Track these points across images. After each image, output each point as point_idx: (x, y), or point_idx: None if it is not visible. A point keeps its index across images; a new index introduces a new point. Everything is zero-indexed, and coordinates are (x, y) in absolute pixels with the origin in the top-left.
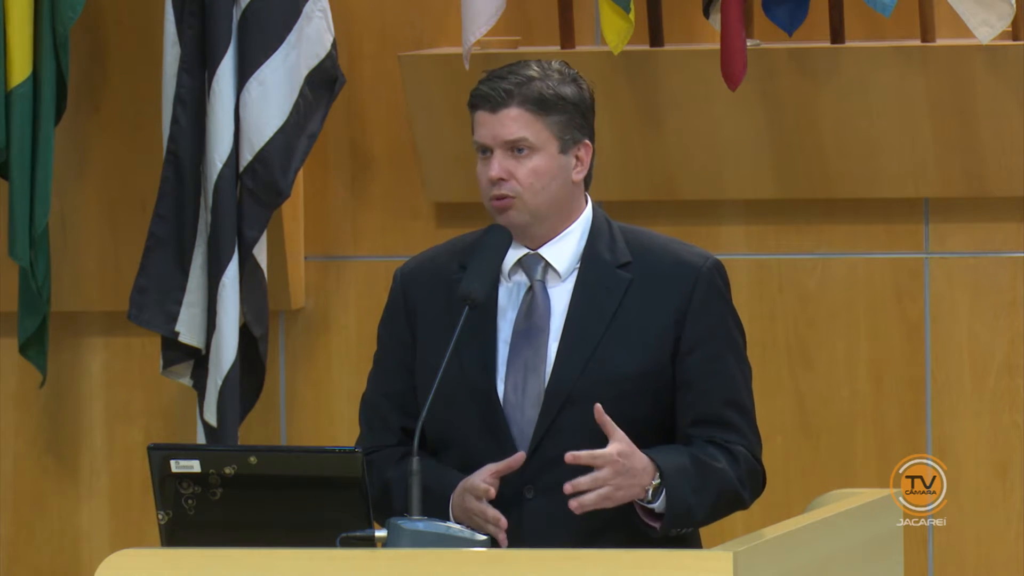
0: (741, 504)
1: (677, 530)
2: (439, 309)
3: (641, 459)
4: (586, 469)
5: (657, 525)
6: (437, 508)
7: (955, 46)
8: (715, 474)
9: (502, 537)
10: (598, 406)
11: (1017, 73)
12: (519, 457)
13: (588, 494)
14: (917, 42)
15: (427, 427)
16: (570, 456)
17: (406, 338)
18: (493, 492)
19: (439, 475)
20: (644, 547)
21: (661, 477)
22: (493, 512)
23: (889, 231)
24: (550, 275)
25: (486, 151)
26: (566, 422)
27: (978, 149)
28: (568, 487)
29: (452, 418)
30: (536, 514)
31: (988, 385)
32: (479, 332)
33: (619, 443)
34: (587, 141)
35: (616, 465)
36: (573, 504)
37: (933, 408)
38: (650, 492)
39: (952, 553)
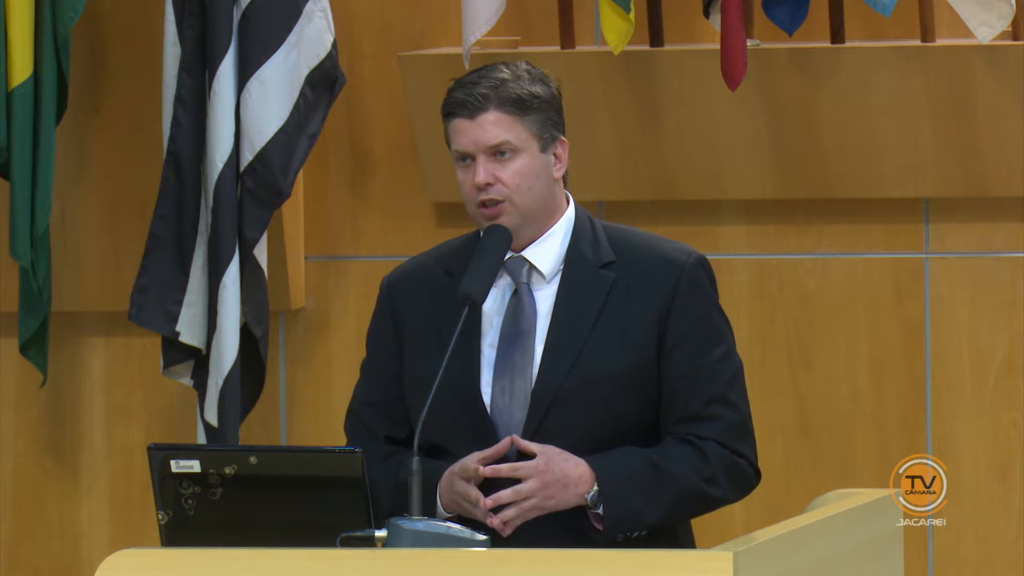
0: (714, 502)
1: (625, 534)
2: (426, 316)
3: (577, 467)
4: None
5: (601, 528)
6: (425, 494)
7: (955, 46)
8: (671, 476)
9: (490, 520)
10: (514, 436)
11: (1017, 73)
12: (506, 443)
13: (509, 508)
14: (917, 42)
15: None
16: (488, 470)
17: (392, 348)
18: (484, 472)
19: (426, 464)
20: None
21: (599, 484)
22: (475, 492)
23: (889, 231)
24: (535, 277)
25: (467, 158)
26: (553, 424)
27: (978, 149)
28: (489, 501)
29: (440, 422)
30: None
31: (988, 385)
32: (465, 336)
33: (545, 455)
34: (563, 137)
35: (543, 475)
36: (495, 522)
37: (933, 408)
38: (589, 499)
39: (952, 553)
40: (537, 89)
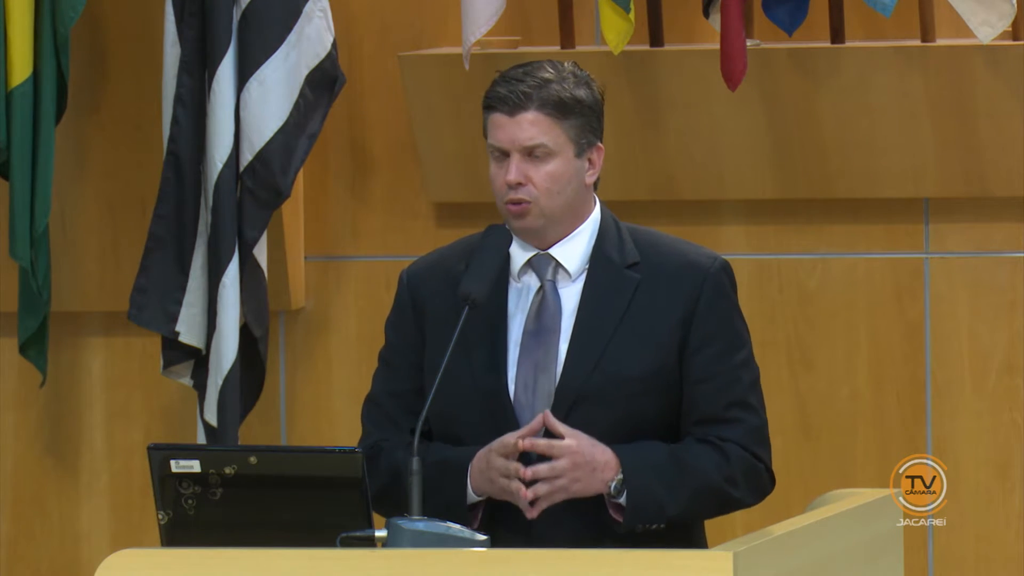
0: (732, 503)
1: (645, 525)
2: (447, 309)
3: (604, 454)
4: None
5: (621, 518)
6: (455, 477)
7: (955, 46)
8: (694, 471)
9: (523, 492)
10: (547, 412)
11: (1017, 73)
12: (539, 420)
13: (542, 484)
14: (917, 42)
15: (436, 426)
16: (527, 443)
17: (415, 338)
18: (523, 444)
19: (455, 449)
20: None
21: (623, 472)
22: (515, 464)
23: (889, 231)
24: (560, 275)
25: (501, 154)
26: (575, 422)
27: (978, 149)
28: (528, 472)
29: (462, 418)
30: (544, 513)
31: (988, 385)
32: (489, 332)
33: (576, 438)
34: (599, 144)
35: (575, 456)
36: (528, 494)
37: (933, 408)
38: (612, 487)
39: (952, 553)
40: (581, 93)
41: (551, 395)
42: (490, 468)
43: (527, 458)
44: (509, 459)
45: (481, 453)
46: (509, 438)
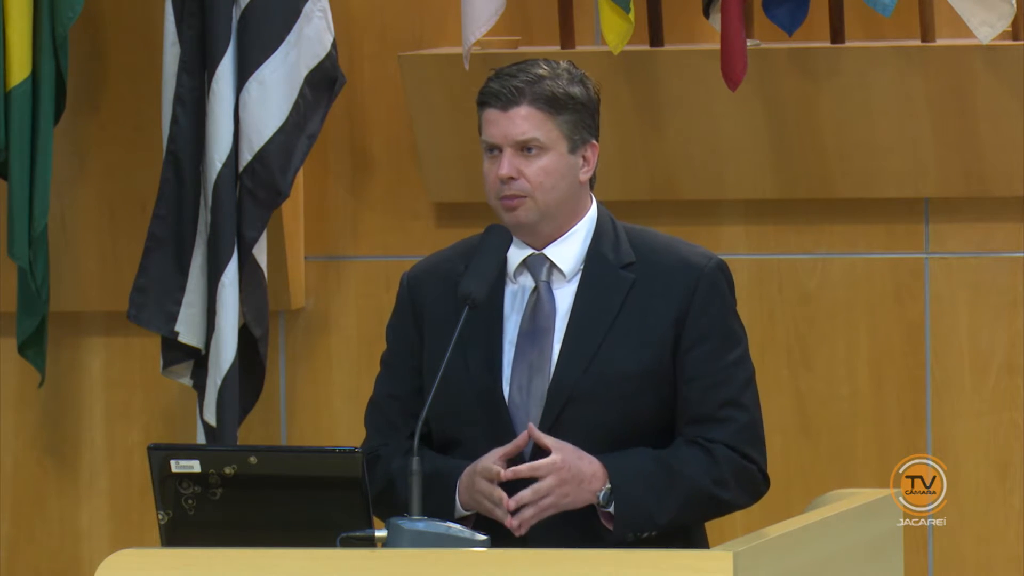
0: (724, 506)
1: (636, 533)
2: (446, 311)
3: (590, 465)
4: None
5: (612, 527)
6: (443, 491)
7: (955, 46)
8: (682, 477)
9: (509, 521)
10: (531, 425)
11: (1017, 73)
12: (524, 438)
13: (527, 508)
14: (917, 42)
15: (434, 428)
16: (509, 473)
17: (414, 341)
18: (504, 474)
19: (445, 461)
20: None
21: (611, 482)
22: (499, 492)
23: (889, 231)
24: (555, 276)
25: (494, 149)
26: (569, 421)
27: (978, 149)
28: (511, 503)
29: (458, 419)
30: (537, 523)
31: (988, 385)
32: (484, 333)
33: (561, 452)
34: (594, 141)
35: (560, 473)
36: (513, 523)
37: (933, 408)
38: (601, 497)
39: (952, 553)
40: (575, 90)
41: (544, 395)
42: (475, 491)
43: (517, 485)
44: (493, 483)
45: (468, 471)
46: (491, 463)
